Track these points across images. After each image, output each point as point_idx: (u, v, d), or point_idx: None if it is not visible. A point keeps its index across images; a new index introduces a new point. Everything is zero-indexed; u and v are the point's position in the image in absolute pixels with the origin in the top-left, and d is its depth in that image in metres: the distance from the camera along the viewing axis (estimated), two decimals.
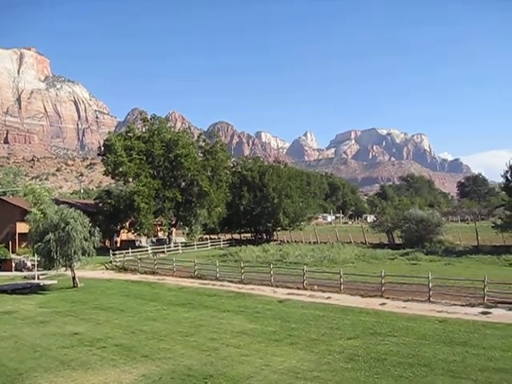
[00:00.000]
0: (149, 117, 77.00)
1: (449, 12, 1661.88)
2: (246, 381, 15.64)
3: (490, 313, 24.44)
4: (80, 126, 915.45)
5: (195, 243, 72.90)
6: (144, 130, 76.01)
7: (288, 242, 72.51)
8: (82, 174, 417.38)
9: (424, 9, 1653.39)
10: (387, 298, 29.41)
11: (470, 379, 15.21)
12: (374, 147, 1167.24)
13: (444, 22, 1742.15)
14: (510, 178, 57.00)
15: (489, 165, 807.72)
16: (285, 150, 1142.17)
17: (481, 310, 25.22)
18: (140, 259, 51.81)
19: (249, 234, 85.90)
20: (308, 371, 16.34)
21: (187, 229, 77.13)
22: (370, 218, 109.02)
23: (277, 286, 35.09)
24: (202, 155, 75.59)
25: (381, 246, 61.55)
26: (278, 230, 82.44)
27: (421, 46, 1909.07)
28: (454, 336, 20.14)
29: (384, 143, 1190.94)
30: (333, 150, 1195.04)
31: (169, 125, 78.87)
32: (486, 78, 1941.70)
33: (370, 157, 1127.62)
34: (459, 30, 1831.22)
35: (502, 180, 60.27)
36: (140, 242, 76.03)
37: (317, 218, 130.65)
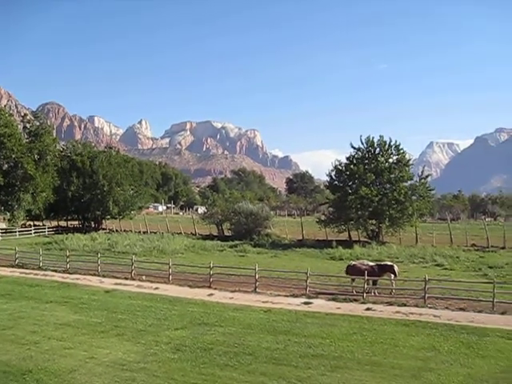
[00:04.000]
0: None
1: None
2: (69, 375, 15.08)
3: (311, 303, 25.76)
4: None
5: (17, 230, 68.68)
6: None
7: (117, 231, 70.82)
8: None
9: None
10: (215, 288, 29.84)
11: (291, 365, 16.04)
12: (209, 140, 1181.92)
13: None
14: (334, 177, 60.61)
15: (316, 163, 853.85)
16: (118, 137, 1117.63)
17: (303, 300, 26.50)
18: None
19: (76, 222, 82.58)
20: (134, 363, 16.16)
21: (8, 214, 72.13)
22: (201, 210, 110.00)
23: (104, 276, 34.16)
24: (27, 137, 70.83)
25: (211, 237, 62.40)
26: (108, 219, 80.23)
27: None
28: (278, 325, 21.00)
29: (218, 136, 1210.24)
30: (167, 139, 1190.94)
31: None
32: (305, 79, 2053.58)
33: (204, 149, 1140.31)
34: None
35: (327, 178, 63.79)
36: None
37: (148, 208, 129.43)
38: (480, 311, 23.78)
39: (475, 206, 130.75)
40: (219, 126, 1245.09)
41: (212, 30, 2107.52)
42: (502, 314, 23.30)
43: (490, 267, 37.16)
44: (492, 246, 49.97)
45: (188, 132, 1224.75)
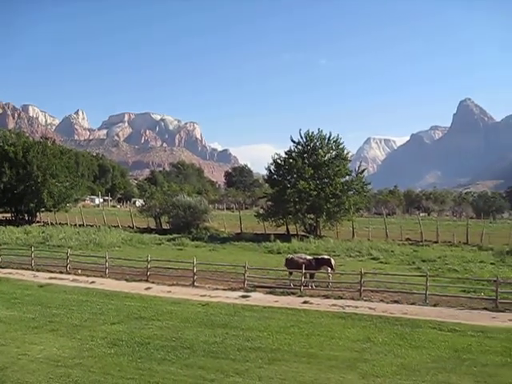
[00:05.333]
0: None
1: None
2: (0, 372, 14.62)
3: (249, 296, 25.90)
4: None
5: None
6: None
7: (52, 224, 69.01)
8: None
9: None
10: (153, 282, 29.61)
11: (229, 359, 16.09)
12: (147, 132, 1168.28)
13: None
14: (272, 170, 60.93)
15: (255, 157, 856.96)
16: (54, 127, 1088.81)
17: (241, 293, 26.60)
18: None
19: (9, 214, 79.92)
20: (69, 358, 15.83)
21: None
22: (139, 203, 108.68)
23: (38, 270, 33.29)
24: None
25: (148, 230, 61.73)
26: (42, 211, 78.01)
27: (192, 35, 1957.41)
28: (216, 319, 21.00)
29: (157, 128, 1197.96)
30: (105, 131, 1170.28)
31: None
32: (246, 79, 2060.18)
33: (143, 141, 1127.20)
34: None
35: (265, 172, 64.09)
36: None
37: (84, 200, 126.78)
38: (413, 303, 24.48)
39: (410, 201, 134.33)
40: (158, 118, 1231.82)
41: (154, 15, 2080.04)
42: (434, 305, 24.08)
43: (423, 261, 38.26)
44: (425, 241, 51.46)
45: (126, 123, 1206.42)
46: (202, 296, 25.93)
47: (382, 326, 20.08)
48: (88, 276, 31.41)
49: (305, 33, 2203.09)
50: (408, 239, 53.35)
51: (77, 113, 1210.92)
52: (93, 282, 29.47)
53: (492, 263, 37.26)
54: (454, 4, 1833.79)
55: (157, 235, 55.67)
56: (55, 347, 17.01)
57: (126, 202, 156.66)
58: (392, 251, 43.31)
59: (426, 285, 25.04)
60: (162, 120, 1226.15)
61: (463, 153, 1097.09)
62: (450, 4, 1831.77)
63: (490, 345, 17.81)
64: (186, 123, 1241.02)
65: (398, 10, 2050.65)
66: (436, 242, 50.94)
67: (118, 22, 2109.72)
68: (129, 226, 65.00)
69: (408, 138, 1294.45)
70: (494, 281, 24.77)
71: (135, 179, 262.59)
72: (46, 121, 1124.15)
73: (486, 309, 23.54)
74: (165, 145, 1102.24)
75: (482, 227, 54.17)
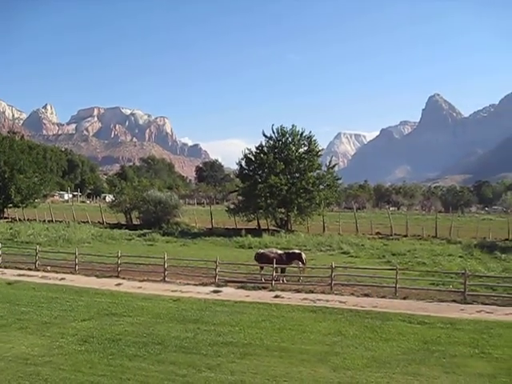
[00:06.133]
0: None
1: None
2: None
3: (220, 291, 25.91)
4: None
5: None
6: None
7: (20, 220, 67.96)
8: None
9: None
10: (123, 278, 29.42)
11: (200, 354, 16.08)
12: (117, 126, 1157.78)
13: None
14: (244, 165, 60.91)
15: (226, 152, 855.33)
16: (21, 122, 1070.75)
17: (212, 288, 26.60)
18: None
19: None
20: (39, 356, 15.63)
21: None
22: (109, 198, 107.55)
23: (6, 267, 32.71)
24: None
25: (119, 226, 61.13)
26: (10, 207, 76.78)
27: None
28: (187, 314, 20.97)
29: (127, 123, 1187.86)
30: (74, 125, 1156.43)
31: None
32: (214, 73, 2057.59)
33: (113, 136, 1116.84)
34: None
35: (236, 167, 64.07)
36: None
37: (53, 196, 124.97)
38: (383, 296, 24.79)
39: (380, 195, 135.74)
40: (128, 112, 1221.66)
41: (123, 11, 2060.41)
42: (404, 298, 24.41)
43: (393, 254, 38.75)
44: (395, 234, 52.10)
45: (96, 118, 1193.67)
46: (173, 291, 25.85)
47: (353, 320, 20.27)
48: (57, 273, 31.02)
49: (276, 27, 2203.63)
50: (378, 233, 53.93)
51: (45, 107, 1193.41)
52: (62, 279, 29.11)
53: (460, 256, 37.87)
54: None
55: (127, 231, 55.24)
56: (24, 345, 16.76)
57: (96, 197, 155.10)
58: (362, 245, 43.74)
59: (396, 278, 25.35)
60: (132, 114, 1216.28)
61: (432, 147, 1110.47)
62: None
63: (459, 336, 18.15)
64: (156, 118, 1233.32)
65: (365, 2, 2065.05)
66: (405, 236, 51.56)
67: (88, 17, 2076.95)
68: (99, 222, 64.32)
69: (378, 132, 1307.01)
70: (463, 274, 25.18)
71: (105, 174, 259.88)
72: (12, 115, 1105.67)
73: (454, 301, 23.96)
74: (135, 139, 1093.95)
75: (451, 221, 54.94)
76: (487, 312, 21.95)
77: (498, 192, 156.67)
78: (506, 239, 48.58)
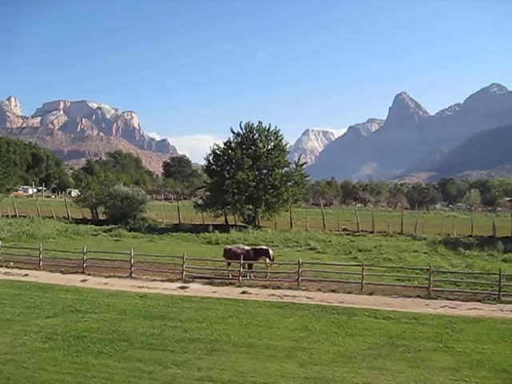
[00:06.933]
0: None
1: None
2: None
3: (187, 287, 25.81)
4: None
5: None
6: None
7: None
8: None
9: None
10: (89, 274, 29.08)
11: (167, 350, 16.00)
12: (84, 120, 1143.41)
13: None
14: (211, 161, 60.68)
15: (194, 147, 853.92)
16: None
17: (179, 284, 26.50)
18: None
19: None
20: (1, 355, 15.32)
21: None
22: (75, 193, 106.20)
23: None
24: None
25: (84, 221, 60.34)
26: None
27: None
28: (154, 310, 20.81)
29: (94, 117, 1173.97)
30: (39, 119, 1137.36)
31: None
32: (183, 68, 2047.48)
33: (79, 130, 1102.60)
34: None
35: (204, 163, 63.76)
36: None
37: (17, 190, 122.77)
38: (350, 292, 25.00)
39: (347, 192, 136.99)
40: (95, 106, 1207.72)
41: (90, 7, 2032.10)
42: (370, 294, 24.66)
43: (360, 250, 39.11)
44: (362, 231, 52.50)
45: (61, 111, 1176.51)
46: (139, 287, 25.67)
47: (320, 315, 20.39)
48: (21, 269, 30.47)
49: (245, 23, 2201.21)
50: (345, 229, 54.33)
51: (9, 99, 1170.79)
52: (26, 275, 28.61)
53: (425, 252, 38.45)
54: None
55: (93, 226, 54.50)
56: None
57: (61, 192, 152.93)
58: (329, 241, 44.01)
59: (362, 274, 25.58)
60: (99, 108, 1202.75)
61: (398, 145, 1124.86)
62: None
63: (423, 331, 18.42)
64: (123, 112, 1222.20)
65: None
66: (372, 232, 52.03)
67: (56, 13, 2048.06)
68: (64, 217, 63.38)
69: (345, 130, 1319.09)
70: (427, 269, 25.57)
71: (71, 169, 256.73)
72: None
73: (419, 296, 24.35)
74: (102, 134, 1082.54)
75: (416, 218, 55.58)
76: (451, 307, 22.35)
77: (462, 189, 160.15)
78: (470, 236, 49.38)
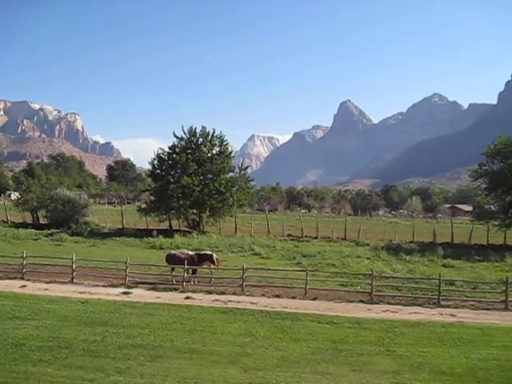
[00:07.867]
0: None
1: None
2: None
3: (130, 293, 25.49)
4: None
5: None
6: None
7: None
8: None
9: None
10: (28, 280, 28.32)
11: (109, 357, 15.74)
12: (25, 121, 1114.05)
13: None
14: (156, 165, 60.20)
15: (138, 151, 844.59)
16: None
17: (122, 290, 26.13)
18: None
19: None
20: None
21: None
22: (15, 196, 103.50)
23: None
24: None
25: (25, 225, 58.82)
26: None
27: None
28: (96, 316, 20.44)
29: (36, 118, 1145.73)
30: None
31: None
32: (128, 72, 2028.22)
33: (20, 131, 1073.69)
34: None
35: (149, 166, 63.21)
36: None
37: None
38: (294, 297, 25.22)
39: (292, 197, 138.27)
40: (37, 107, 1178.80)
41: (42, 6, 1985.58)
42: (314, 299, 24.94)
43: (304, 256, 39.50)
44: (306, 236, 53.11)
45: (2, 112, 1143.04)
46: (81, 293, 25.17)
47: (264, 320, 20.47)
48: None
49: (194, 28, 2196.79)
50: (289, 235, 54.79)
51: None
52: None
53: (368, 258, 39.20)
54: None
55: (33, 230, 53.26)
56: None
57: (0, 194, 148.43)
58: (274, 247, 44.27)
59: (306, 279, 25.84)
60: (41, 109, 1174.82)
61: (343, 152, 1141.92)
62: None
63: (365, 335, 18.75)
64: (66, 114, 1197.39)
65: (277, 2, 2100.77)
66: (316, 238, 52.67)
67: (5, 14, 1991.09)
68: (3, 221, 61.65)
69: (291, 136, 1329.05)
70: (370, 275, 26.07)
71: (10, 171, 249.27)
72: None
73: (361, 301, 24.77)
74: (44, 136, 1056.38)
75: (359, 224, 56.60)
76: (392, 311, 22.84)
77: (404, 196, 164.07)
78: (411, 242, 50.70)
